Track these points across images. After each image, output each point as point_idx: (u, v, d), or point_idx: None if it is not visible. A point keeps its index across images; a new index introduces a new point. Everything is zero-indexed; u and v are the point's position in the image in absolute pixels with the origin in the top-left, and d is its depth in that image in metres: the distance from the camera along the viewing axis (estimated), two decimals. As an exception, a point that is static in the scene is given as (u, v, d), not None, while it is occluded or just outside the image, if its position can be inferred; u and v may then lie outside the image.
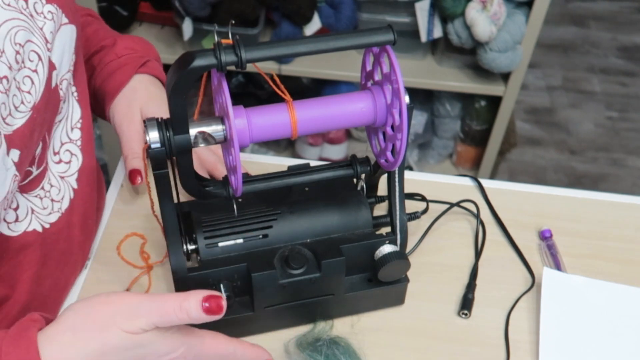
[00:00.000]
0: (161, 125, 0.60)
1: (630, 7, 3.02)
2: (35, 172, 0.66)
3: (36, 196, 0.68)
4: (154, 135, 0.60)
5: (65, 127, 0.72)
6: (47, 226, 0.70)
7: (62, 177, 0.71)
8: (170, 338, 0.56)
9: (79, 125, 0.74)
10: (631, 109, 2.53)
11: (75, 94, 0.74)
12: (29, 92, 0.61)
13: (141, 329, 0.54)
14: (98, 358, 0.54)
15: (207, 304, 0.55)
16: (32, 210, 0.68)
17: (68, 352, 0.53)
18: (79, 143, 0.74)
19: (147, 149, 0.60)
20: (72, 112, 0.73)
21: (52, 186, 0.70)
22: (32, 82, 0.61)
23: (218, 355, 0.60)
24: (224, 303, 0.55)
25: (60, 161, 0.71)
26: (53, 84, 0.65)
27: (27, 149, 0.61)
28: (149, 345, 0.55)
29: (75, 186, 0.73)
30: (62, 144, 0.72)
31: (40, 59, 0.62)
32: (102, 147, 1.93)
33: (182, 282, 0.67)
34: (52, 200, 0.70)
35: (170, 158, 0.62)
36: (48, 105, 0.64)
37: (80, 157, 0.74)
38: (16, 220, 0.66)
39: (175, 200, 0.69)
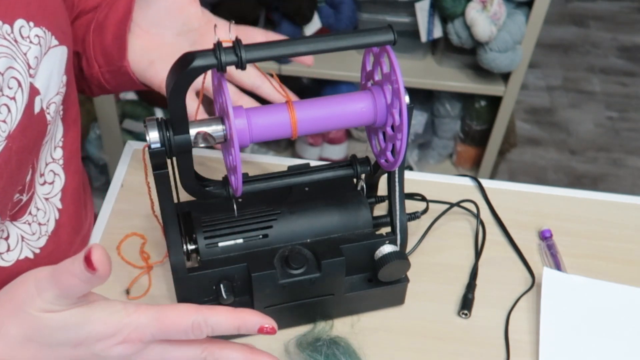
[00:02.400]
0: (161, 125, 0.60)
1: (630, 7, 3.02)
2: (24, 199, 0.65)
3: (25, 222, 0.66)
4: (153, 135, 0.60)
5: (49, 148, 0.70)
6: (38, 251, 0.68)
7: (46, 199, 0.70)
8: (102, 318, 0.48)
9: (60, 143, 0.72)
10: (631, 109, 2.54)
11: (62, 112, 0.72)
12: (3, 121, 0.58)
13: (55, 305, 0.47)
14: (25, 343, 0.48)
15: (90, 262, 0.46)
16: (22, 238, 0.66)
17: None
18: (61, 162, 0.72)
19: (147, 148, 0.60)
20: (56, 132, 0.71)
21: (38, 210, 0.68)
22: (9, 110, 0.58)
23: (181, 331, 0.50)
24: (96, 258, 0.46)
25: (44, 183, 0.70)
26: (37, 109, 0.63)
27: (6, 179, 0.59)
28: (75, 327, 0.48)
29: (60, 206, 0.72)
30: (47, 165, 0.70)
31: (20, 85, 0.59)
32: (101, 147, 1.93)
33: (182, 282, 0.67)
34: (39, 224, 0.69)
35: (170, 158, 0.62)
36: (27, 132, 0.61)
37: (63, 176, 0.72)
38: (8, 250, 0.64)
39: (175, 200, 0.69)
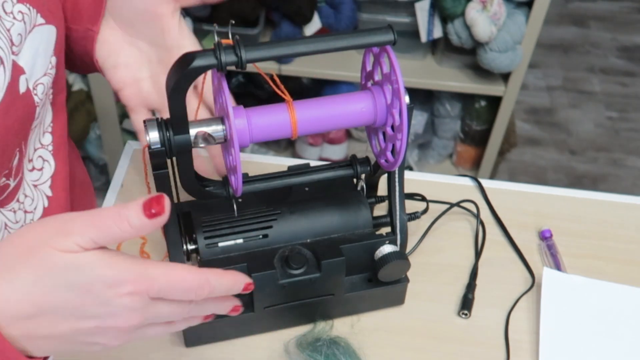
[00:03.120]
0: (161, 125, 0.60)
1: (630, 7, 3.02)
2: (12, 184, 0.64)
3: (10, 210, 0.65)
4: (153, 136, 0.60)
5: (38, 133, 0.68)
6: None
7: (35, 186, 0.69)
8: (117, 263, 0.47)
9: (49, 129, 0.70)
10: (631, 109, 2.54)
11: (51, 96, 0.70)
12: None
13: (77, 245, 0.45)
14: (32, 287, 0.46)
15: (149, 208, 0.46)
16: (5, 225, 0.65)
17: None
18: (50, 148, 0.70)
19: (147, 149, 0.60)
20: (45, 116, 0.69)
21: (26, 197, 0.67)
22: None
23: (186, 290, 0.49)
24: (167, 201, 0.46)
25: (33, 169, 0.68)
26: (22, 89, 0.61)
27: None
28: (89, 269, 0.46)
29: (50, 193, 0.71)
30: (35, 150, 0.68)
31: (2, 62, 0.58)
32: (101, 147, 1.93)
33: (182, 282, 0.67)
34: (25, 211, 0.67)
35: (170, 158, 0.62)
36: (10, 112, 0.60)
37: (53, 163, 0.71)
38: None
39: (175, 200, 0.69)
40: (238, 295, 0.54)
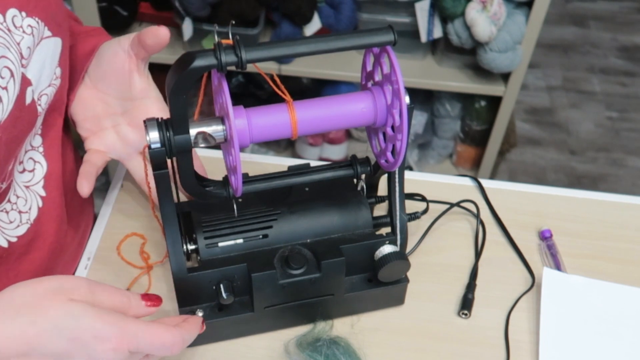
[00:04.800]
0: (161, 125, 0.60)
1: (630, 7, 3.02)
2: (3, 187, 0.65)
3: (2, 210, 0.66)
4: (154, 136, 0.60)
5: (30, 137, 0.69)
6: (14, 240, 0.68)
7: (27, 187, 0.69)
8: (102, 316, 0.53)
9: (39, 131, 0.71)
10: (631, 109, 2.54)
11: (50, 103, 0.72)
12: None
13: (82, 298, 0.53)
14: (29, 327, 0.51)
15: (150, 302, 0.59)
16: None
17: None
18: (40, 150, 0.71)
19: (147, 148, 0.60)
20: (38, 121, 0.70)
21: (18, 197, 0.68)
22: (0, 100, 0.58)
23: (163, 346, 0.55)
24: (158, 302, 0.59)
25: (24, 170, 0.69)
26: (28, 100, 0.63)
27: None
28: (78, 317, 0.52)
29: (43, 194, 0.71)
30: (25, 152, 0.69)
31: (12, 75, 0.59)
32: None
33: (182, 282, 0.67)
34: (20, 212, 0.68)
35: (171, 158, 0.62)
36: (17, 123, 0.62)
37: (45, 164, 0.72)
38: None
39: (175, 200, 0.69)
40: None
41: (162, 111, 0.75)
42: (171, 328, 0.56)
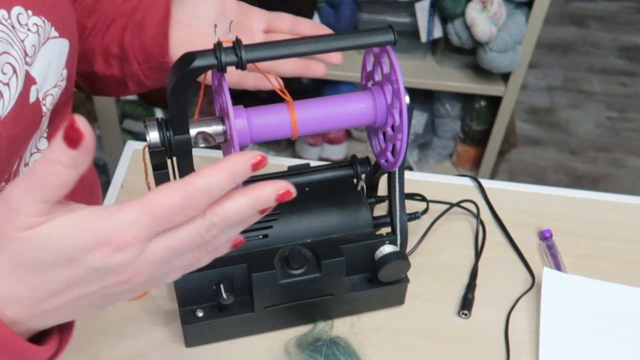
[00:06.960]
0: (161, 125, 0.60)
1: (630, 7, 3.02)
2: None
3: None
4: (154, 135, 0.60)
5: (35, 138, 0.69)
6: None
7: None
8: (83, 225, 0.41)
9: (45, 134, 0.71)
10: (631, 109, 2.54)
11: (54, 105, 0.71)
12: None
13: (32, 217, 0.41)
14: (15, 275, 0.43)
15: (68, 138, 0.40)
16: None
17: None
18: None
19: (147, 149, 0.60)
20: (43, 122, 0.70)
21: None
22: (1, 96, 0.58)
23: (179, 209, 0.42)
24: (81, 122, 0.39)
25: None
26: (32, 99, 0.63)
27: None
28: (57, 241, 0.41)
29: None
30: (31, 155, 0.69)
31: (15, 72, 0.59)
32: (102, 148, 1.93)
33: (182, 282, 0.67)
34: None
35: (171, 158, 0.62)
36: (19, 120, 0.61)
37: None
38: None
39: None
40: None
41: (262, 15, 0.77)
42: (169, 185, 0.42)
